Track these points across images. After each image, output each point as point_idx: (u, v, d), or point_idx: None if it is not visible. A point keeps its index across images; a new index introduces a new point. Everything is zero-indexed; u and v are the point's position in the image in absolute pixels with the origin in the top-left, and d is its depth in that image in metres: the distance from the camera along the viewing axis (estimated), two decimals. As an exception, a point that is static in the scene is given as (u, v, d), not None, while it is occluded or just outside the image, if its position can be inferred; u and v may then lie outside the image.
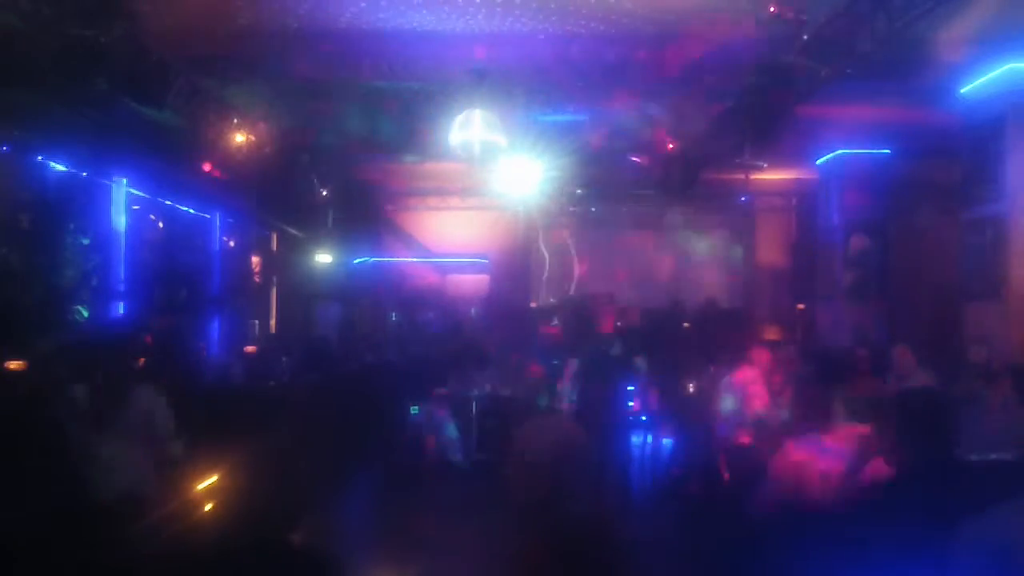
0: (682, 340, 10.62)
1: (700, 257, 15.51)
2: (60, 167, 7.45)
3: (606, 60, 7.45)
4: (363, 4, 6.46)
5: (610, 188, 13.35)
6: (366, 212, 13.82)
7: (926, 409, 2.87)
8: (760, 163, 10.86)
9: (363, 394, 8.61)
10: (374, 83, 8.36)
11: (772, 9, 6.01)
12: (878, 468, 2.95)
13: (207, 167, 8.66)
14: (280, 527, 2.34)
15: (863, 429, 3.31)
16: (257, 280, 12.75)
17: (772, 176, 13.07)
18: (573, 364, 7.68)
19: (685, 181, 10.79)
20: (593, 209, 14.37)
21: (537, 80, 8.25)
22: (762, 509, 3.21)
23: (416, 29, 6.89)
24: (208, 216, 10.93)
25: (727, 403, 6.50)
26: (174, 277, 9.30)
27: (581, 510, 2.19)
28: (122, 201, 8.50)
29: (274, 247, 13.14)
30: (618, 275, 14.84)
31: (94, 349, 5.02)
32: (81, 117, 6.46)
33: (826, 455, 3.25)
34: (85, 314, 7.49)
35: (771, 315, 13.39)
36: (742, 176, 11.59)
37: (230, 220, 11.34)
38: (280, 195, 10.93)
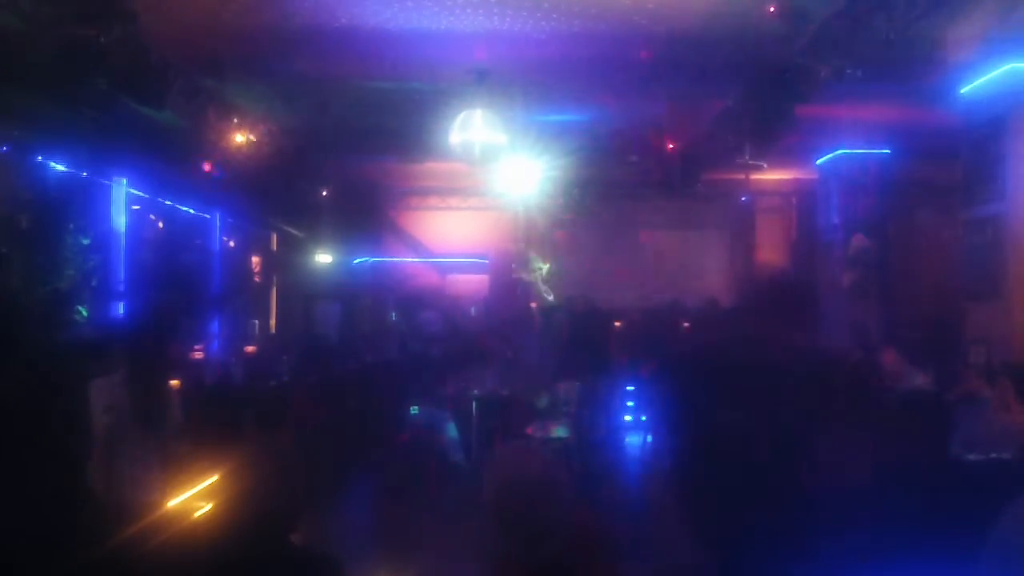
0: (682, 340, 10.61)
1: (700, 257, 15.51)
2: (60, 167, 7.45)
3: (606, 60, 7.45)
4: (363, 4, 6.46)
5: (610, 188, 13.36)
6: (366, 212, 13.82)
7: (920, 411, 2.87)
8: (760, 163, 10.86)
9: (363, 394, 8.63)
10: (374, 83, 8.36)
11: (772, 9, 6.01)
12: None
13: (207, 167, 8.66)
14: (280, 527, 2.35)
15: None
16: (257, 280, 12.75)
17: (772, 176, 13.08)
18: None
19: (685, 181, 10.80)
20: (593, 209, 14.37)
21: (537, 80, 8.25)
22: (763, 510, 3.21)
23: (416, 29, 6.89)
24: (208, 216, 10.93)
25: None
26: (174, 277, 9.29)
27: (570, 529, 2.14)
28: (122, 201, 8.50)
29: (274, 247, 13.14)
30: (618, 275, 14.84)
31: (94, 348, 5.02)
32: (81, 117, 6.46)
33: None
34: (85, 314, 7.48)
35: (771, 315, 13.35)
36: (742, 176, 11.60)
37: (230, 220, 11.34)
38: (280, 195, 10.93)
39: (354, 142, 10.37)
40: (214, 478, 2.60)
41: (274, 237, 13.07)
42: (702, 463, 3.19)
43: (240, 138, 8.48)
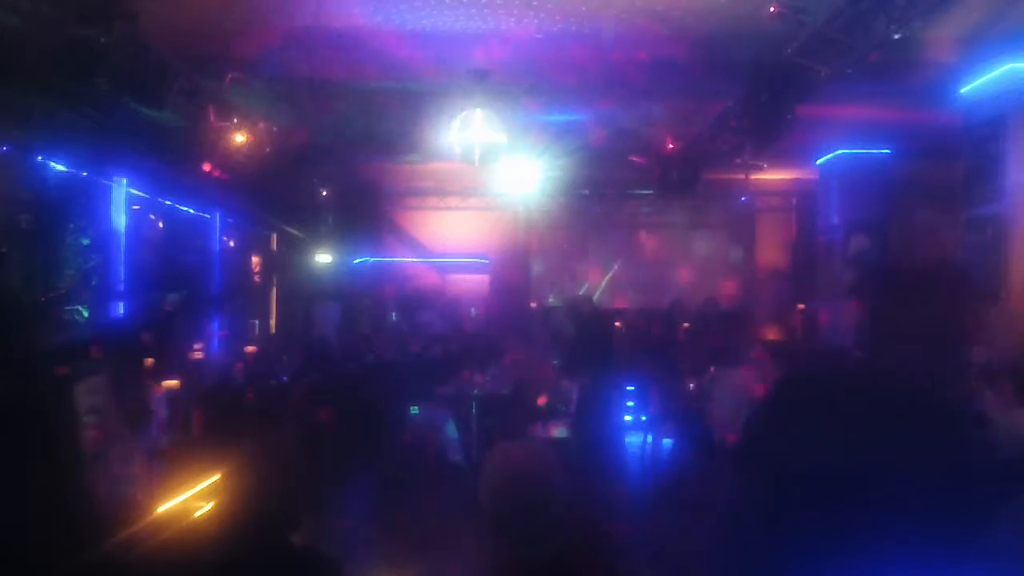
0: (682, 340, 10.61)
1: (700, 257, 15.53)
2: (60, 167, 7.46)
3: (606, 60, 7.45)
4: (363, 4, 6.46)
5: (610, 188, 13.36)
6: (366, 212, 13.82)
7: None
8: (760, 163, 10.86)
9: (363, 394, 8.62)
10: (374, 83, 8.36)
11: (772, 9, 6.01)
12: None
13: (207, 167, 8.66)
14: (280, 527, 2.35)
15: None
16: (257, 280, 12.75)
17: (772, 176, 13.07)
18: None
19: (685, 181, 10.79)
20: (593, 209, 14.38)
21: (537, 80, 8.25)
22: (763, 510, 3.20)
23: (416, 29, 6.89)
24: (208, 216, 10.93)
25: (728, 403, 6.50)
26: (174, 277, 9.30)
27: (568, 530, 2.14)
28: (122, 201, 8.50)
29: (274, 247, 13.14)
30: (617, 275, 14.85)
31: (93, 348, 5.02)
32: (81, 117, 6.46)
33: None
34: (85, 314, 7.49)
35: (771, 315, 13.39)
36: (742, 176, 11.60)
37: (230, 220, 11.34)
38: (280, 195, 10.94)
39: (354, 142, 10.37)
40: (214, 478, 2.60)
41: (274, 237, 13.08)
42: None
43: (240, 138, 8.48)
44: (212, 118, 7.94)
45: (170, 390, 6.18)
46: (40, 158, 7.14)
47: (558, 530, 2.07)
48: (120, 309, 8.18)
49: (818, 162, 11.91)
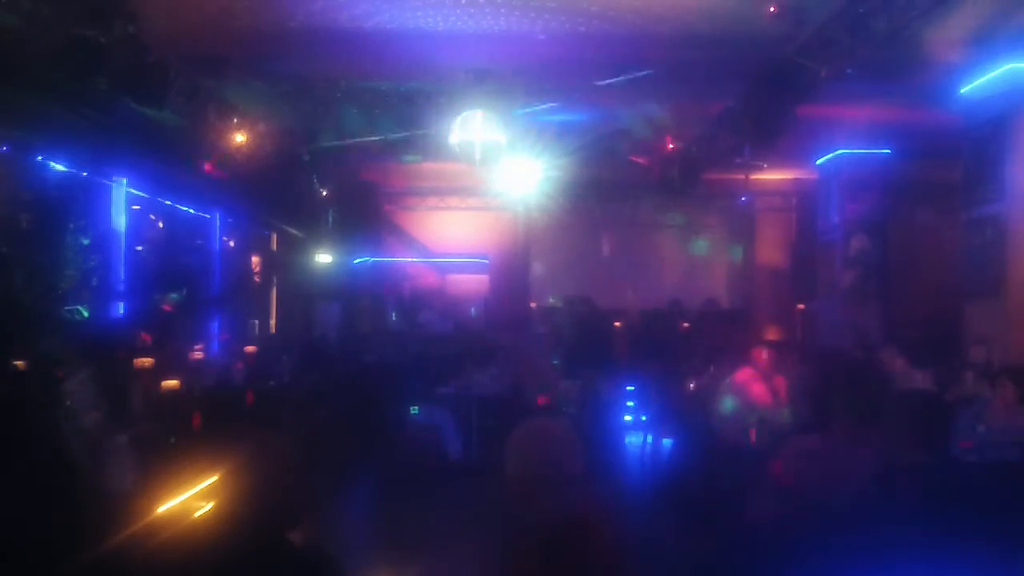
0: (682, 340, 10.62)
1: (700, 257, 15.53)
2: (60, 167, 7.46)
3: (606, 60, 7.45)
4: (363, 4, 6.47)
5: (610, 188, 13.36)
6: (366, 212, 13.82)
7: (919, 411, 2.86)
8: (760, 163, 10.87)
9: (363, 394, 8.62)
10: (374, 83, 8.36)
11: (772, 9, 6.01)
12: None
13: (207, 167, 8.66)
14: (280, 527, 2.34)
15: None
16: (257, 280, 12.75)
17: (772, 176, 13.08)
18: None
19: (685, 181, 10.80)
20: (593, 209, 14.38)
21: (537, 80, 8.26)
22: (763, 510, 3.21)
23: (416, 29, 6.89)
24: (208, 216, 10.93)
25: (727, 403, 6.50)
26: (174, 277, 9.30)
27: (573, 513, 2.20)
28: (122, 201, 8.50)
29: (274, 247, 13.14)
30: (617, 275, 14.85)
31: (93, 348, 5.02)
32: (81, 117, 6.46)
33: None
34: (85, 314, 7.49)
35: (771, 315, 13.40)
36: (742, 176, 11.61)
37: (230, 220, 11.34)
38: (280, 195, 10.94)
39: (354, 142, 10.37)
40: (214, 478, 2.60)
41: (274, 237, 13.07)
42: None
43: (240, 138, 8.47)
44: (212, 118, 7.94)
45: (170, 390, 6.18)
46: (40, 158, 7.14)
47: (573, 491, 2.16)
48: (120, 309, 8.18)
49: (818, 162, 11.91)
